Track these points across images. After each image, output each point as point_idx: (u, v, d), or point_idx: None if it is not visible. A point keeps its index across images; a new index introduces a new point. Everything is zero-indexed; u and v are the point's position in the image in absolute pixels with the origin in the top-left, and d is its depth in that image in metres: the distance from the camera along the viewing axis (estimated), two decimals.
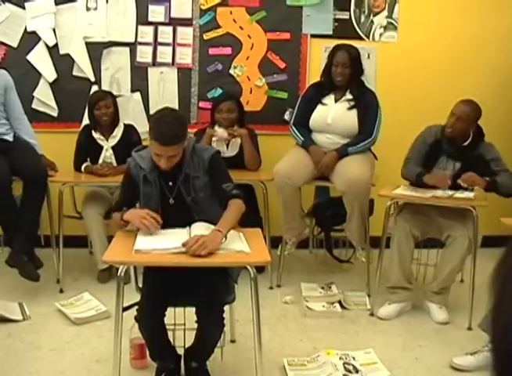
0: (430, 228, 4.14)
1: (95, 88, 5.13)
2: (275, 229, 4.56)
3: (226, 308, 3.07)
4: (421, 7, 5.26)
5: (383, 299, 4.14)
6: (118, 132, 4.77)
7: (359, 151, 4.33)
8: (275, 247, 4.53)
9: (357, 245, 4.50)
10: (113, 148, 4.73)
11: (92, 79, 5.18)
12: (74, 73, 5.19)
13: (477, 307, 3.78)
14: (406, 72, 5.29)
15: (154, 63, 5.22)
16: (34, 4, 5.07)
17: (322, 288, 4.45)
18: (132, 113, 5.20)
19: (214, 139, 4.68)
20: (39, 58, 5.13)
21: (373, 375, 3.33)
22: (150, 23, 5.18)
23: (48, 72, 5.15)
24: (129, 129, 4.81)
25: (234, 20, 5.20)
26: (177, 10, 5.17)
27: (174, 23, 5.19)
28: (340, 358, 3.44)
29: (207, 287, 2.96)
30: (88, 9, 5.14)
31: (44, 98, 5.18)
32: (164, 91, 5.25)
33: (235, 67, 5.24)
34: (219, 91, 5.24)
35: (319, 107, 4.47)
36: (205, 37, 5.20)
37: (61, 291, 4.43)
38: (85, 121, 5.04)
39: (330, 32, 5.22)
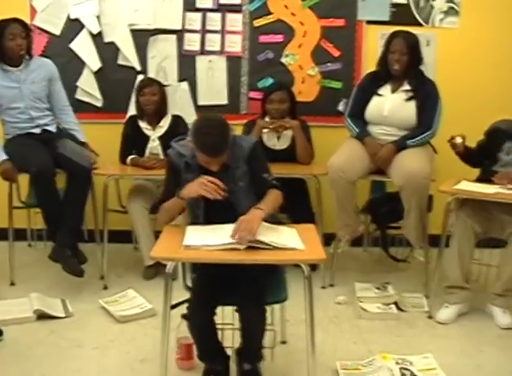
0: (492, 225, 4.07)
1: (140, 77, 5.18)
2: (329, 225, 4.54)
3: (277, 307, 3.07)
4: None
5: (441, 301, 4.08)
6: (165, 123, 4.81)
7: (418, 144, 4.28)
8: (328, 244, 4.51)
9: (415, 244, 4.45)
10: (159, 138, 4.77)
11: (138, 68, 5.24)
12: (119, 62, 5.25)
13: None
14: (468, 60, 5.21)
15: (202, 52, 5.25)
16: None
17: (378, 289, 4.41)
18: (180, 103, 5.23)
19: (264, 130, 4.69)
20: (83, 46, 5.21)
21: None
22: (198, 10, 5.21)
23: (92, 61, 5.23)
24: (177, 120, 4.84)
25: (286, 6, 5.19)
26: None
27: (223, 9, 5.20)
28: (396, 362, 3.40)
29: (251, 284, 2.96)
30: None
31: (88, 88, 5.25)
32: (213, 80, 5.27)
33: (286, 56, 5.23)
34: (270, 80, 5.24)
35: (375, 98, 4.43)
36: (255, 24, 5.21)
37: (105, 287, 4.48)
38: (130, 111, 5.10)
39: (387, 18, 5.18)
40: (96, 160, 4.56)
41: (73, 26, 5.18)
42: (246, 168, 3.14)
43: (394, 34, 4.40)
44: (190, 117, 5.07)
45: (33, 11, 5.17)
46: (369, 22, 5.19)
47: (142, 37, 5.21)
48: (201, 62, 5.27)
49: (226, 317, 3.17)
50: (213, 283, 2.98)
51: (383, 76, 4.44)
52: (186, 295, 3.16)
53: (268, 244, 2.77)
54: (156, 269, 4.63)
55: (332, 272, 4.59)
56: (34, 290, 4.24)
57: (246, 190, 3.14)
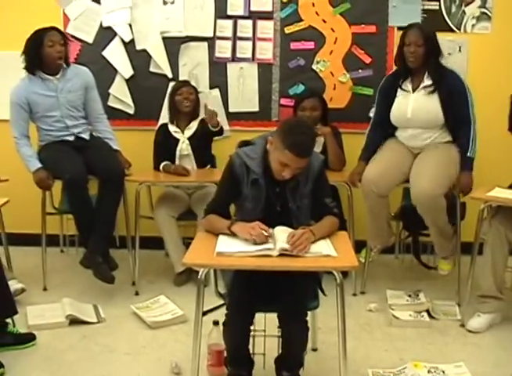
0: None
1: (172, 84, 5.19)
2: (360, 232, 4.52)
3: (309, 314, 3.06)
4: None
5: (474, 310, 4.04)
6: (194, 124, 4.87)
7: (475, 149, 4.13)
8: (360, 251, 4.49)
9: (438, 253, 4.44)
10: (189, 139, 4.82)
11: (170, 75, 5.27)
12: (151, 69, 5.29)
13: None
14: (501, 66, 5.16)
15: (233, 59, 5.27)
16: None
17: (409, 296, 4.39)
18: None
19: None
20: (115, 54, 5.26)
21: None
22: (229, 17, 5.23)
23: (125, 68, 5.27)
24: (205, 123, 4.86)
25: (317, 13, 5.19)
26: (257, 3, 5.21)
27: (254, 16, 5.22)
28: (428, 371, 3.38)
29: (291, 291, 2.96)
30: (164, 2, 5.23)
31: (120, 95, 5.29)
32: (244, 87, 5.29)
33: (318, 62, 5.23)
34: (301, 87, 5.25)
35: (397, 100, 4.32)
36: (286, 30, 5.22)
37: (136, 293, 4.51)
38: (162, 118, 5.13)
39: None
40: (128, 168, 4.60)
41: (106, 34, 5.23)
42: (311, 186, 3.11)
43: (408, 26, 4.30)
44: (222, 124, 5.09)
45: (66, 19, 5.24)
46: (401, 28, 5.13)
47: (173, 45, 5.25)
48: (232, 69, 5.29)
49: (258, 323, 3.16)
50: (251, 290, 2.97)
51: (402, 73, 4.33)
52: (218, 302, 3.18)
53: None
54: (187, 276, 4.66)
55: (363, 280, 4.58)
56: (66, 295, 4.28)
57: (307, 209, 3.13)
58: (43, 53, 4.33)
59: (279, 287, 2.96)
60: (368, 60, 5.22)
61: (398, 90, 4.33)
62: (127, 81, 5.30)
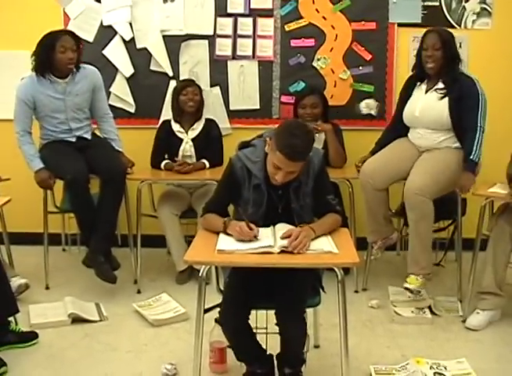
0: None
1: (173, 83, 5.22)
2: (362, 229, 4.52)
3: (310, 311, 3.07)
4: None
5: (475, 306, 4.05)
6: (199, 125, 4.85)
7: (480, 152, 4.00)
8: (361, 249, 4.47)
9: (408, 266, 4.16)
10: (192, 140, 4.81)
11: (170, 74, 5.27)
12: (152, 67, 5.29)
13: None
14: (501, 62, 5.16)
15: (234, 56, 5.27)
16: None
17: (411, 293, 4.39)
18: (212, 108, 5.24)
19: None
20: (115, 52, 5.26)
21: None
22: (229, 15, 5.23)
23: (125, 67, 5.28)
24: (210, 123, 4.88)
25: (317, 10, 5.19)
26: (257, 0, 5.20)
27: (254, 14, 5.22)
28: (430, 367, 3.38)
29: (288, 287, 2.95)
30: (165, 1, 5.23)
31: (121, 93, 5.29)
32: (245, 85, 5.29)
33: (318, 59, 5.23)
34: (302, 84, 5.24)
35: (410, 100, 4.30)
36: (287, 28, 5.21)
37: (138, 291, 4.52)
38: (163, 117, 5.14)
39: (419, 20, 5.15)
40: (130, 167, 4.61)
41: (106, 32, 5.23)
42: (312, 183, 3.09)
43: (427, 31, 4.21)
44: (222, 122, 5.10)
45: (66, 18, 5.23)
46: (401, 25, 5.16)
47: (173, 43, 5.25)
48: (233, 67, 5.29)
49: (260, 321, 3.17)
50: (246, 288, 2.98)
51: (419, 76, 4.29)
52: (219, 299, 3.17)
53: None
54: (189, 274, 4.67)
55: (365, 276, 4.58)
56: (68, 294, 4.30)
57: (309, 207, 3.12)
58: (54, 58, 4.29)
59: (277, 284, 2.96)
60: (368, 57, 5.21)
61: (414, 90, 4.31)
62: (127, 79, 5.30)
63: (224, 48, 5.26)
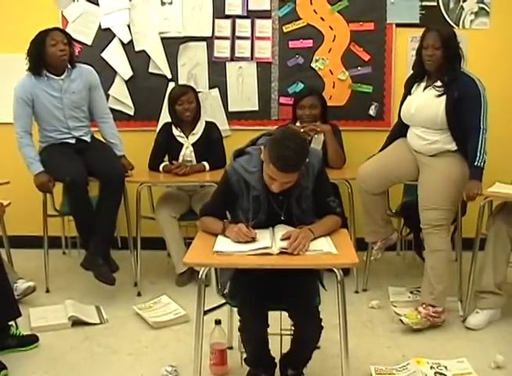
0: None
1: (171, 85, 5.23)
2: (361, 230, 4.52)
3: None
4: None
5: (474, 306, 4.06)
6: (199, 129, 4.83)
7: (484, 156, 3.84)
8: (361, 249, 4.47)
9: (421, 298, 4.07)
10: (193, 145, 4.80)
11: (169, 76, 5.28)
12: (150, 70, 5.30)
13: None
14: (500, 62, 5.17)
15: (232, 58, 5.28)
16: (107, 0, 5.21)
17: (411, 293, 4.42)
18: (210, 110, 5.26)
19: None
20: (114, 55, 5.27)
21: None
22: (227, 17, 5.24)
23: (124, 69, 5.29)
24: (210, 126, 4.88)
25: (315, 11, 5.19)
26: (255, 2, 5.21)
27: (252, 15, 5.23)
28: (431, 367, 3.38)
29: (299, 289, 2.96)
30: (162, 3, 5.24)
31: (119, 96, 5.30)
32: (243, 86, 5.29)
33: (316, 60, 5.23)
34: (300, 85, 5.25)
35: (408, 97, 4.21)
36: (285, 29, 5.22)
37: (139, 294, 4.52)
38: (162, 119, 5.14)
39: (417, 21, 5.15)
40: (130, 169, 4.61)
41: (105, 35, 5.24)
42: (312, 186, 3.07)
43: (427, 29, 4.10)
44: (221, 124, 5.11)
45: (65, 21, 5.25)
46: (399, 25, 5.17)
47: (172, 45, 5.26)
48: (231, 68, 5.29)
49: None
50: (256, 289, 2.95)
51: (418, 75, 4.18)
52: (219, 301, 3.18)
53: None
54: (189, 276, 4.67)
55: (365, 277, 4.59)
56: (68, 297, 4.31)
57: (311, 210, 3.11)
58: (46, 53, 4.30)
59: (283, 285, 2.96)
60: (367, 58, 5.22)
61: (413, 88, 4.20)
62: (126, 82, 5.31)
63: (222, 49, 5.26)
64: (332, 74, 5.25)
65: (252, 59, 5.27)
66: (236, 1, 5.20)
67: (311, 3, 5.18)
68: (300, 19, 5.20)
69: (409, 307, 4.13)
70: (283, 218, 3.07)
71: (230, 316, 3.54)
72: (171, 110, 4.82)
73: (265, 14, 5.21)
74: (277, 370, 3.18)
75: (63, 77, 4.43)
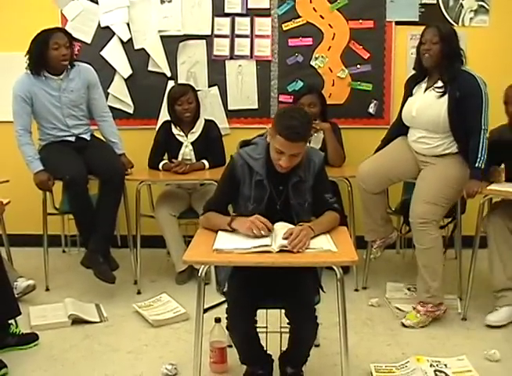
0: None
1: (171, 83, 5.23)
2: (361, 228, 4.52)
3: None
4: None
5: (476, 303, 4.08)
6: (199, 128, 4.83)
7: (485, 158, 3.84)
8: (361, 247, 4.48)
9: (417, 297, 4.12)
10: (192, 144, 4.80)
11: (168, 74, 5.28)
12: (150, 68, 5.31)
13: None
14: (500, 60, 5.16)
15: (232, 56, 5.28)
16: None
17: (409, 289, 4.45)
18: (210, 108, 5.27)
19: None
20: (113, 53, 5.27)
21: None
22: (227, 15, 5.24)
23: (123, 68, 5.29)
24: (209, 124, 4.88)
25: (314, 9, 5.20)
26: (254, 0, 5.21)
27: (252, 13, 5.23)
28: (430, 365, 3.39)
29: (296, 287, 2.96)
30: (162, 1, 5.24)
31: (119, 94, 5.30)
32: (243, 85, 5.30)
33: (316, 58, 5.24)
34: (300, 83, 5.25)
35: (410, 98, 4.18)
36: (284, 27, 5.22)
37: (138, 292, 4.52)
38: (162, 117, 5.14)
39: (416, 18, 5.16)
40: (129, 167, 4.62)
41: (104, 33, 5.24)
42: (312, 183, 3.13)
43: (427, 25, 4.09)
44: (221, 122, 5.10)
45: (64, 20, 5.25)
46: (398, 23, 5.17)
47: (171, 44, 5.26)
48: (231, 67, 5.30)
49: (260, 320, 3.15)
50: (250, 289, 2.97)
51: (419, 74, 4.15)
52: (219, 299, 3.18)
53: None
54: (188, 274, 4.68)
55: (365, 275, 4.59)
56: (68, 295, 4.31)
57: (309, 205, 3.14)
58: (48, 55, 4.29)
59: (281, 283, 2.96)
60: (366, 56, 5.22)
61: (415, 88, 4.18)
62: (125, 80, 5.31)
63: (222, 48, 5.27)
64: (331, 72, 5.25)
65: (251, 57, 5.28)
66: (236, 0, 5.21)
67: (310, 1, 5.19)
68: (299, 17, 5.20)
69: (405, 304, 4.18)
70: (279, 207, 3.09)
71: None
72: (170, 110, 4.81)
73: (264, 12, 5.22)
74: (277, 369, 3.17)
75: (61, 76, 4.42)
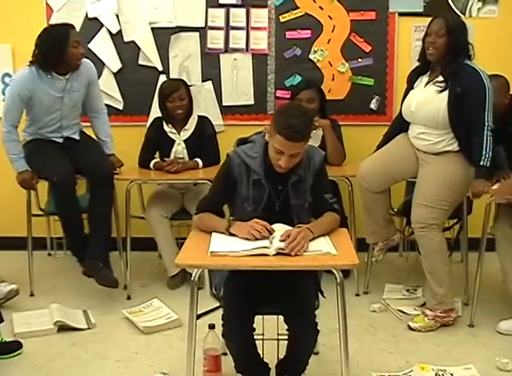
0: None
1: (162, 77, 5.23)
2: (362, 230, 4.52)
3: None
4: None
5: (484, 309, 4.09)
6: (191, 125, 4.83)
7: (490, 155, 3.80)
8: (362, 250, 4.47)
9: (427, 304, 4.13)
10: (185, 142, 4.79)
11: (160, 68, 5.28)
12: (140, 62, 5.30)
13: None
14: (509, 52, 5.16)
15: (227, 49, 5.27)
16: None
17: (407, 291, 4.49)
18: (203, 104, 5.27)
19: None
20: (102, 46, 5.26)
21: None
22: (221, 6, 5.23)
23: (112, 61, 5.28)
24: (203, 121, 4.87)
25: (313, 0, 5.19)
26: None
27: (248, 4, 5.22)
28: (436, 374, 3.39)
29: (296, 291, 2.96)
30: None
31: (108, 89, 5.28)
32: (238, 79, 5.29)
33: (315, 52, 5.23)
34: (298, 78, 5.25)
35: (410, 92, 4.17)
36: (281, 19, 5.22)
37: (128, 297, 4.51)
38: (153, 113, 5.13)
39: (421, 9, 5.15)
40: (119, 166, 4.61)
41: (92, 25, 5.22)
42: (311, 182, 3.14)
43: (435, 16, 4.04)
44: (215, 118, 5.10)
45: (49, 10, 5.22)
46: (402, 14, 5.17)
47: (163, 36, 5.25)
48: (226, 60, 5.29)
49: (256, 326, 3.16)
50: (247, 295, 2.96)
51: (422, 68, 4.13)
52: (213, 304, 3.17)
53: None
54: (181, 278, 4.67)
55: (366, 279, 4.60)
56: (54, 301, 4.29)
57: (309, 206, 3.15)
58: (66, 52, 4.23)
59: (279, 287, 2.96)
60: (368, 49, 5.22)
61: (416, 81, 4.16)
62: (115, 74, 5.30)
63: (216, 40, 5.26)
64: (331, 66, 5.25)
65: (247, 50, 5.27)
66: None
67: None
68: (297, 8, 5.20)
69: (402, 305, 4.23)
70: (277, 208, 3.09)
71: None
72: (161, 107, 4.81)
73: (260, 3, 5.21)
74: None
75: (67, 76, 4.38)
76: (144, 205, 5.01)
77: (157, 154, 4.84)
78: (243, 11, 5.22)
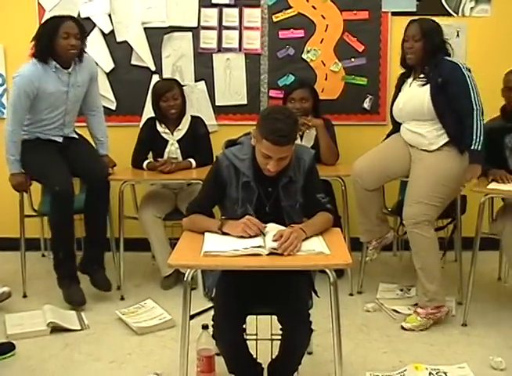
0: None
1: (155, 77, 5.23)
2: (356, 229, 4.53)
3: None
4: None
5: (477, 308, 4.09)
6: (185, 125, 4.83)
7: (481, 138, 3.86)
8: (356, 249, 4.48)
9: (419, 301, 4.14)
10: (178, 142, 4.79)
11: (153, 68, 5.28)
12: (133, 62, 5.30)
13: None
14: (502, 51, 5.16)
15: (219, 49, 5.27)
16: None
17: (401, 290, 4.50)
18: (197, 104, 5.27)
19: None
20: (94, 46, 5.21)
21: None
22: (214, 5, 5.23)
23: (105, 61, 5.28)
24: (196, 121, 4.87)
25: None
26: None
27: (240, 4, 5.22)
28: (430, 373, 3.39)
29: (289, 291, 2.95)
30: None
31: (100, 89, 5.21)
32: (231, 79, 5.29)
33: (308, 51, 5.24)
34: (291, 78, 5.25)
35: (398, 96, 4.25)
36: (274, 18, 5.22)
37: (122, 298, 4.51)
38: (146, 113, 5.13)
39: (414, 9, 5.16)
40: (112, 167, 4.61)
41: (84, 25, 5.14)
42: (302, 182, 3.13)
43: (410, 21, 4.16)
44: (208, 118, 5.10)
45: (41, 10, 5.21)
46: (395, 13, 5.17)
47: (156, 36, 5.25)
48: (218, 60, 5.29)
49: (249, 327, 3.17)
50: (238, 295, 2.96)
51: (406, 72, 4.25)
52: (206, 304, 3.17)
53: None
54: (175, 279, 4.67)
55: (360, 279, 4.60)
56: (47, 302, 4.29)
57: (301, 207, 3.14)
58: (56, 43, 4.20)
59: (272, 287, 2.96)
60: (361, 48, 5.23)
61: (403, 85, 4.25)
62: (107, 74, 5.30)
63: (209, 40, 5.26)
64: (324, 65, 5.26)
65: (240, 50, 5.27)
66: None
67: None
68: (290, 7, 5.20)
69: (395, 305, 4.24)
70: (268, 210, 3.09)
71: None
72: (154, 107, 4.81)
73: (253, 2, 5.21)
74: None
75: (70, 70, 4.35)
76: (137, 206, 5.00)
77: (150, 154, 4.84)
78: (235, 11, 5.22)
